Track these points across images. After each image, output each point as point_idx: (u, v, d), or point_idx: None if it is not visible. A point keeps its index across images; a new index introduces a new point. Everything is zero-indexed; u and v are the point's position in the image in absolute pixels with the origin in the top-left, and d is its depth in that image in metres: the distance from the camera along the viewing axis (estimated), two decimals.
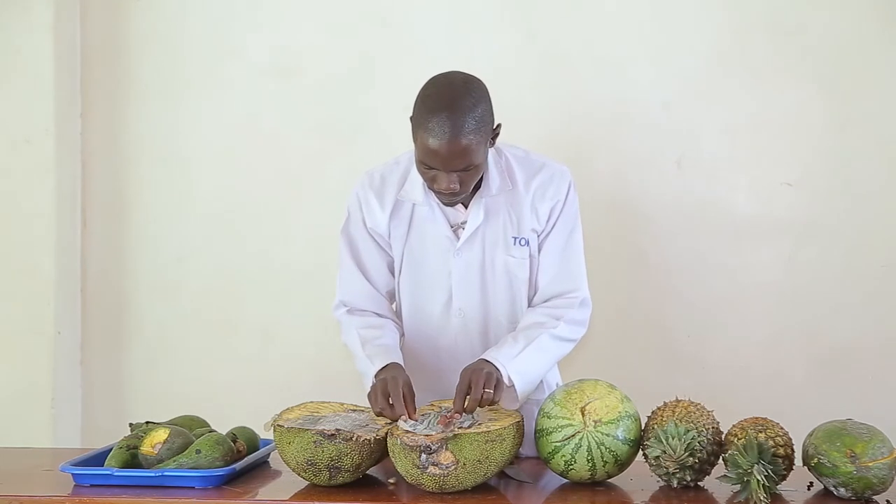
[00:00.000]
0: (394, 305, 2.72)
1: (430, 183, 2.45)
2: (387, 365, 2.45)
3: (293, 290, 3.56)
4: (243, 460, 2.31)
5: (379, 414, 2.33)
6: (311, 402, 2.39)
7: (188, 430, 2.36)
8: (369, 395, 2.40)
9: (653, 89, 3.40)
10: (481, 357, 2.46)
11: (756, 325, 3.38)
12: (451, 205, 2.55)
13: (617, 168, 3.41)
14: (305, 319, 3.56)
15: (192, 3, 3.61)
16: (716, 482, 2.15)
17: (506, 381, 2.42)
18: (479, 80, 2.47)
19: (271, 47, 3.57)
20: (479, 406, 2.31)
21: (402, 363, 2.49)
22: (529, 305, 2.64)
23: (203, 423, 2.48)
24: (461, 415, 2.30)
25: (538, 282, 2.62)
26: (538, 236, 2.61)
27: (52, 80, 3.51)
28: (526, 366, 2.48)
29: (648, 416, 2.24)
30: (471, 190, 2.50)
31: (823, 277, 3.35)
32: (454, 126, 2.34)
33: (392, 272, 2.67)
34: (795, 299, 3.36)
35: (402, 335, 2.67)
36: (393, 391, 2.31)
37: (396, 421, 2.29)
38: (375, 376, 2.42)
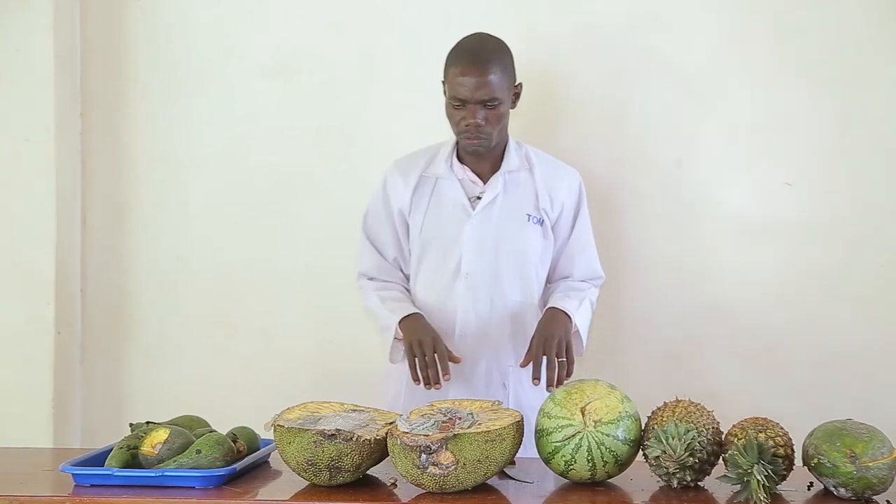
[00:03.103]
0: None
1: (459, 124, 2.69)
2: (410, 314, 2.71)
3: (293, 290, 3.56)
4: (243, 460, 2.31)
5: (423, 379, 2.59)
6: (311, 402, 2.38)
7: (188, 430, 2.36)
8: (410, 365, 2.62)
9: (653, 90, 3.40)
10: (550, 306, 2.74)
11: (756, 325, 3.38)
12: (477, 151, 2.75)
13: (617, 168, 3.40)
14: (305, 319, 3.56)
15: (192, 3, 3.60)
16: (716, 482, 2.15)
17: (573, 329, 2.75)
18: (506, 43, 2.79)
19: (271, 47, 3.57)
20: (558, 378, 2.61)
21: (422, 314, 2.71)
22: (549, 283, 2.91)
23: (203, 423, 2.47)
24: (539, 381, 2.61)
25: (566, 270, 2.90)
26: (550, 223, 2.83)
27: (52, 80, 3.50)
28: (583, 320, 2.81)
29: (648, 416, 2.24)
30: (494, 141, 2.73)
31: (823, 277, 3.34)
32: (481, 59, 2.69)
33: (402, 245, 2.87)
34: (795, 299, 3.36)
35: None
36: (428, 352, 2.57)
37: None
38: (400, 324, 2.70)
